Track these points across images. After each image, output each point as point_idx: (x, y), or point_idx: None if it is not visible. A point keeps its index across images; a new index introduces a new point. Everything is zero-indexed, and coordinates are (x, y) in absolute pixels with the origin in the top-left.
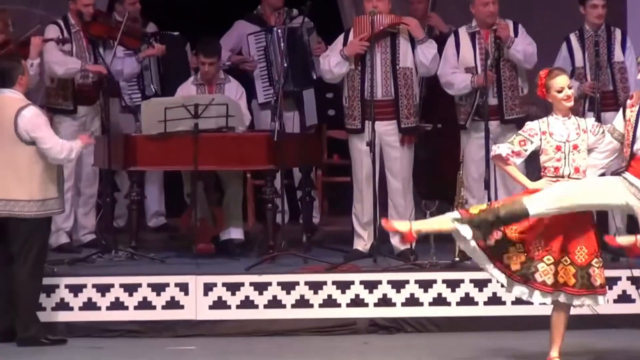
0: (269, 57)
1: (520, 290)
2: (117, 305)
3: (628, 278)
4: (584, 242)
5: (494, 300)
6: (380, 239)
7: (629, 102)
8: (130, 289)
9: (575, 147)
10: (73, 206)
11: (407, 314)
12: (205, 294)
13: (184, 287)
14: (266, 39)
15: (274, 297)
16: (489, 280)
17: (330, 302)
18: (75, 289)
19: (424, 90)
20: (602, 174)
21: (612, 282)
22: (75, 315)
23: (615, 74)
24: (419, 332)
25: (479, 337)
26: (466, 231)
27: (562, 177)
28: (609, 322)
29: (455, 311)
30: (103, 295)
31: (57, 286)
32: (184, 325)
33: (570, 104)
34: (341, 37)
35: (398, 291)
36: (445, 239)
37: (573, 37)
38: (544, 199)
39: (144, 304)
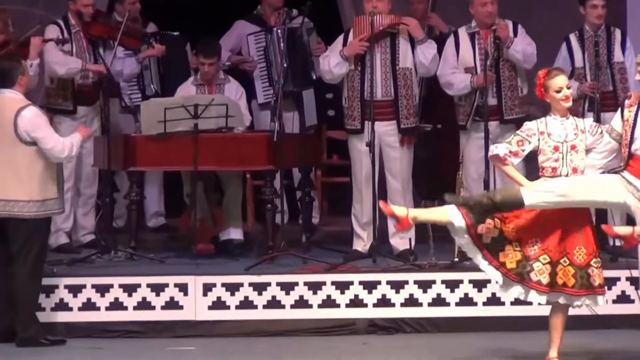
0: (269, 58)
1: (517, 291)
2: (116, 305)
3: (627, 279)
4: (582, 242)
5: (493, 300)
6: (380, 240)
7: (627, 102)
8: (130, 289)
9: (573, 147)
10: (73, 206)
11: (406, 314)
12: (205, 295)
13: (183, 288)
14: (266, 39)
15: (273, 297)
16: (488, 281)
17: (329, 303)
18: (75, 290)
19: (423, 91)
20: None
21: (611, 282)
22: (75, 316)
23: (615, 75)
24: (418, 333)
25: (478, 338)
26: (459, 220)
27: (560, 177)
28: (608, 323)
29: (454, 312)
30: (102, 295)
31: (57, 286)
32: (183, 326)
33: (569, 104)
34: (341, 38)
35: (397, 292)
36: (445, 240)
37: (573, 38)
38: (542, 192)
39: (144, 305)
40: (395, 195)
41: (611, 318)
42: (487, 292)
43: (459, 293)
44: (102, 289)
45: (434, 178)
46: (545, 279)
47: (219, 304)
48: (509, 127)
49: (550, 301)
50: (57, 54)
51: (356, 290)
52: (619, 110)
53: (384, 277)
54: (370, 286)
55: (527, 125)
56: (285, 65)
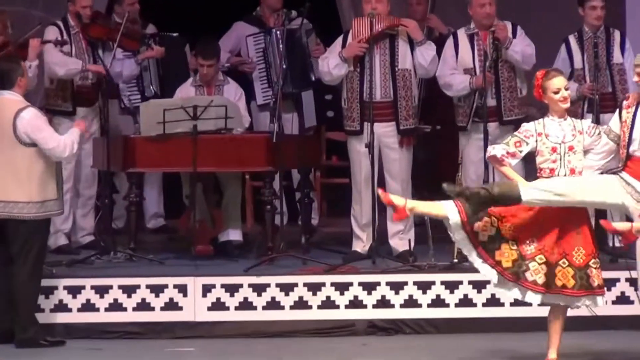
0: (268, 59)
1: (514, 292)
2: (115, 306)
3: (627, 279)
4: (581, 243)
5: (493, 301)
6: (379, 241)
7: (625, 103)
8: (129, 290)
9: (570, 148)
10: (72, 208)
11: (406, 315)
12: (204, 296)
13: (182, 289)
14: (265, 40)
15: (273, 298)
16: (488, 282)
17: (328, 304)
18: (74, 291)
19: (423, 92)
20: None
21: (610, 283)
22: (74, 317)
23: (614, 76)
24: (417, 334)
25: (478, 339)
26: (455, 215)
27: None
28: (607, 324)
29: (453, 312)
30: (102, 296)
31: (56, 287)
32: (182, 327)
33: (567, 105)
34: (340, 39)
35: (397, 292)
36: (444, 241)
37: (572, 39)
38: (540, 189)
39: (143, 306)
40: None
41: (611, 319)
42: (486, 293)
43: (459, 294)
44: (102, 290)
45: (434, 179)
46: (540, 279)
47: (218, 305)
48: (508, 128)
49: (545, 302)
50: (56, 54)
51: (356, 291)
52: (617, 111)
53: (383, 278)
54: (369, 287)
55: (525, 126)
56: (284, 66)
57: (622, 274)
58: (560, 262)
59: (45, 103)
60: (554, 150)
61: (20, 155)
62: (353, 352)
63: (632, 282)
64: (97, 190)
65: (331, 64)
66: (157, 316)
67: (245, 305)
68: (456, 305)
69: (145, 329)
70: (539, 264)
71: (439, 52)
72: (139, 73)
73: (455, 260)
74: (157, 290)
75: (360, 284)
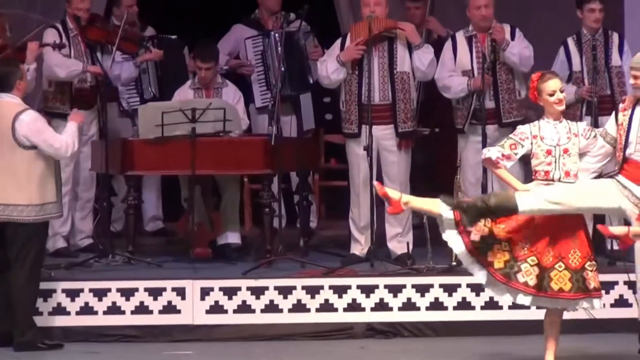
0: (267, 61)
1: (503, 294)
2: (114, 309)
3: (625, 282)
4: (577, 245)
5: (491, 304)
6: (378, 244)
7: (620, 106)
8: (127, 293)
9: (565, 151)
10: (70, 210)
11: (404, 318)
12: (202, 299)
13: (180, 292)
14: (263, 43)
15: (271, 301)
16: None
17: (327, 307)
18: (72, 294)
19: (421, 95)
20: (597, 176)
21: (609, 286)
22: (72, 320)
23: (612, 78)
24: (415, 337)
25: (476, 342)
26: (449, 214)
27: (553, 180)
28: (605, 327)
29: (452, 316)
30: (100, 299)
31: (54, 290)
32: (180, 330)
33: (562, 107)
34: (338, 42)
35: (395, 295)
36: (443, 244)
37: (570, 41)
38: (536, 199)
39: (141, 309)
40: None
41: (609, 322)
42: (484, 296)
43: (457, 297)
44: (100, 293)
45: (432, 182)
46: (532, 281)
47: (216, 308)
48: (507, 130)
49: (537, 304)
50: (56, 56)
51: (354, 294)
52: (613, 114)
53: (381, 281)
54: (368, 290)
55: (521, 128)
56: (282, 69)
57: (621, 277)
58: (557, 266)
59: (43, 106)
60: (548, 152)
61: (19, 158)
62: (351, 355)
63: (630, 285)
64: (95, 193)
65: (330, 68)
66: (155, 319)
67: (244, 308)
68: (454, 308)
69: (143, 332)
70: (531, 266)
71: (437, 55)
72: (138, 75)
73: (454, 263)
74: (155, 293)
75: (358, 286)
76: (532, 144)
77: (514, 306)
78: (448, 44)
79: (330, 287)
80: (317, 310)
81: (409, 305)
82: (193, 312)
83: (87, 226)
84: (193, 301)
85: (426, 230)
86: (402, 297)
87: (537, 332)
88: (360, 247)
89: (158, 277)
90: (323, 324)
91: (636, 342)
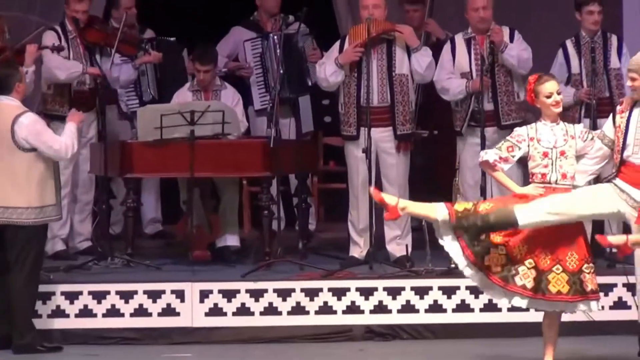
0: (265, 64)
1: (500, 296)
2: (113, 312)
3: (624, 285)
4: (574, 248)
5: (490, 307)
6: (376, 246)
7: (618, 108)
8: (126, 296)
9: (562, 153)
10: (69, 213)
11: (403, 320)
12: (201, 301)
13: (180, 294)
14: (262, 45)
15: (270, 304)
16: None
17: (326, 309)
18: (71, 296)
19: (420, 97)
20: (597, 180)
21: (607, 288)
22: (71, 323)
23: (611, 81)
24: (414, 339)
25: (475, 344)
26: (444, 217)
27: (550, 183)
28: (604, 329)
29: (451, 318)
30: (99, 302)
31: (53, 293)
32: (179, 333)
33: (559, 109)
34: (337, 44)
35: (394, 298)
36: (442, 246)
37: (569, 44)
38: (535, 211)
39: (140, 311)
40: None
41: (608, 324)
42: (483, 299)
43: (456, 299)
44: (99, 296)
45: (431, 184)
46: (529, 284)
47: (215, 311)
48: (506, 132)
49: (534, 307)
50: (56, 58)
51: (353, 296)
52: (611, 116)
53: (380, 283)
54: (366, 292)
55: (517, 131)
56: (281, 71)
57: (620, 279)
58: (554, 269)
59: (42, 108)
60: (545, 155)
61: (18, 161)
62: (350, 357)
63: (629, 287)
64: (94, 195)
65: (328, 71)
66: (155, 322)
67: (243, 310)
68: (453, 310)
69: (142, 334)
70: (528, 269)
71: (436, 57)
72: (137, 78)
73: (453, 266)
74: (154, 295)
75: (357, 289)
76: (529, 146)
77: (513, 308)
78: (447, 47)
79: (329, 290)
80: (316, 312)
81: (408, 308)
82: (192, 314)
83: (86, 229)
84: (192, 304)
85: (425, 232)
86: (401, 300)
87: (535, 335)
88: (359, 249)
89: (157, 279)
90: (322, 327)
91: (635, 345)
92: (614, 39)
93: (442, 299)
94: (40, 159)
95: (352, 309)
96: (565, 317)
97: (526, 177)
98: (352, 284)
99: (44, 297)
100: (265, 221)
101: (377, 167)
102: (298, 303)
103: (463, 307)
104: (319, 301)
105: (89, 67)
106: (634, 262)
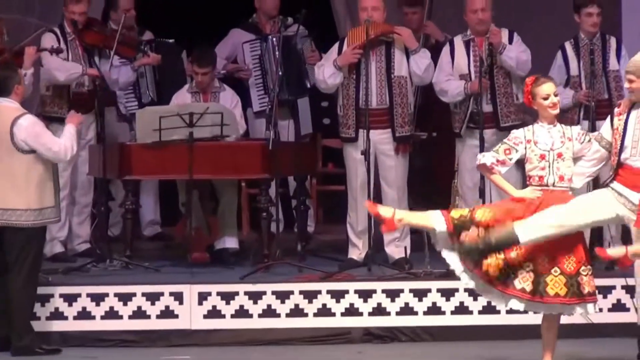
0: (264, 66)
1: (498, 300)
2: (111, 314)
3: (622, 287)
4: (572, 250)
5: (489, 309)
6: (375, 248)
7: (616, 110)
8: (125, 298)
9: (559, 155)
10: (68, 215)
11: (402, 323)
12: (200, 303)
13: (178, 297)
14: (261, 47)
15: (269, 306)
16: None
17: (324, 311)
18: (70, 298)
19: (419, 99)
20: (596, 182)
21: (606, 290)
22: (70, 325)
23: (610, 83)
24: (413, 342)
25: (474, 346)
26: (442, 227)
27: (547, 185)
28: (603, 331)
29: (449, 320)
30: (97, 304)
31: (52, 295)
32: (178, 335)
33: (556, 111)
34: (335, 46)
35: (392, 300)
36: None
37: (568, 46)
38: (535, 227)
39: (139, 314)
40: (390, 203)
41: (606, 326)
42: (482, 301)
43: (455, 302)
44: (97, 298)
45: (430, 186)
46: (528, 287)
47: (214, 313)
48: (505, 134)
49: (531, 310)
50: (55, 60)
51: (351, 298)
52: (608, 118)
53: (379, 285)
54: (365, 295)
55: (515, 133)
56: (280, 73)
57: (618, 282)
58: (552, 271)
59: (41, 110)
60: (542, 157)
61: (18, 163)
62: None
63: (628, 289)
64: (93, 197)
65: (326, 73)
66: (153, 324)
67: (241, 313)
68: (452, 312)
69: (140, 337)
70: (527, 272)
71: (435, 59)
72: (136, 80)
73: (452, 268)
74: (152, 298)
75: (356, 291)
76: (526, 148)
77: (512, 311)
78: (446, 48)
79: (328, 292)
80: (315, 314)
81: (407, 310)
82: (191, 316)
83: (85, 231)
84: (191, 306)
85: (424, 234)
86: (399, 302)
87: (534, 337)
88: (357, 251)
89: (156, 281)
90: (321, 329)
91: (634, 347)
92: (612, 41)
93: (441, 301)
94: (40, 161)
95: (351, 311)
96: (564, 320)
97: (525, 180)
98: (351, 286)
99: (43, 299)
100: (264, 223)
101: (375, 169)
102: (297, 305)
103: (462, 309)
104: (317, 303)
105: (88, 68)
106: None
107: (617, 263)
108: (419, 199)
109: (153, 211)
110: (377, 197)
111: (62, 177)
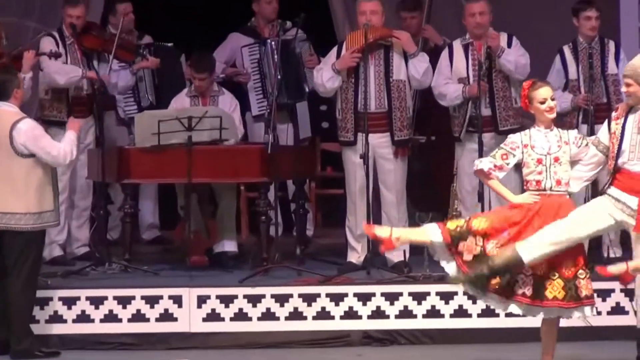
0: (263, 70)
1: (497, 305)
2: (110, 317)
3: (621, 290)
4: (570, 254)
5: (488, 312)
6: (374, 252)
7: (613, 114)
8: (124, 301)
9: (556, 159)
10: (67, 219)
11: (401, 326)
12: (199, 307)
13: (177, 300)
14: (260, 51)
15: (268, 309)
16: None
17: (323, 315)
18: (69, 302)
19: (418, 103)
20: (595, 186)
21: (605, 294)
22: (69, 328)
23: (609, 86)
24: (412, 344)
25: (473, 349)
26: (438, 238)
27: (544, 190)
28: (602, 334)
29: (448, 323)
30: (97, 307)
31: (51, 299)
32: (177, 338)
33: (553, 115)
34: (334, 50)
35: (392, 303)
36: None
37: (567, 50)
38: (537, 246)
39: (138, 317)
40: (389, 207)
41: (605, 329)
42: (481, 304)
43: (454, 305)
44: (96, 301)
45: (428, 190)
46: (528, 291)
47: (213, 316)
48: (504, 138)
49: (528, 314)
50: (55, 63)
51: (350, 302)
52: (606, 122)
53: (378, 288)
54: (364, 298)
55: (511, 138)
56: (279, 77)
57: (617, 285)
58: (550, 275)
59: (40, 114)
60: (539, 161)
61: (17, 167)
62: None
63: (627, 292)
64: (92, 201)
65: (325, 76)
66: (152, 327)
67: (240, 316)
68: (451, 315)
69: (140, 340)
70: (527, 276)
71: (434, 63)
72: (135, 83)
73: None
74: (152, 301)
75: (355, 294)
76: (523, 153)
77: (511, 314)
78: (445, 52)
79: (327, 295)
80: (314, 318)
81: (406, 313)
82: (190, 320)
83: (84, 234)
84: (190, 309)
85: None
86: (398, 305)
87: (533, 340)
88: (356, 255)
89: (155, 285)
90: (320, 332)
91: (634, 350)
92: (611, 45)
93: (440, 304)
94: (39, 165)
95: (350, 314)
96: (564, 323)
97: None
98: (350, 289)
99: (42, 303)
100: (262, 227)
101: (374, 173)
102: (296, 308)
103: (461, 312)
104: (316, 307)
105: (87, 71)
106: None
107: (619, 279)
108: (417, 202)
109: (152, 215)
110: (376, 200)
111: (61, 180)
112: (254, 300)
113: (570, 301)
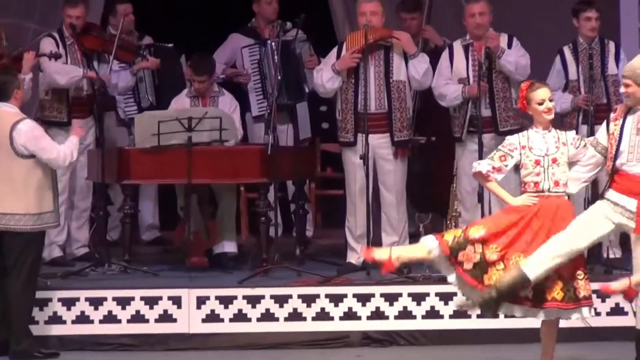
0: (263, 70)
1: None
2: (110, 318)
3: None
4: None
5: None
6: None
7: (612, 115)
8: (123, 302)
9: (554, 160)
10: (66, 220)
11: (400, 326)
12: (198, 307)
13: (177, 301)
14: (260, 52)
15: (267, 310)
16: None
17: (323, 315)
18: (68, 303)
19: (418, 103)
20: (594, 187)
21: (605, 295)
22: (68, 329)
23: (609, 87)
24: (411, 345)
25: (472, 350)
26: (437, 249)
27: (542, 191)
28: (601, 335)
29: (448, 324)
30: (96, 308)
31: (50, 299)
32: (176, 339)
33: (551, 116)
34: (334, 51)
35: (391, 304)
36: None
37: (567, 50)
38: (540, 262)
39: (137, 318)
40: (389, 208)
41: (604, 330)
42: None
43: (453, 305)
44: (96, 302)
45: (428, 191)
46: (530, 293)
47: (212, 317)
48: (504, 139)
49: (528, 316)
50: (55, 64)
51: (350, 302)
52: (605, 123)
53: (377, 289)
54: (364, 299)
55: (509, 139)
56: (279, 78)
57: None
58: (550, 276)
59: (40, 115)
60: (537, 163)
61: (17, 167)
62: None
63: None
64: (91, 202)
65: (325, 77)
66: (151, 328)
67: (240, 317)
68: (450, 316)
69: (139, 340)
70: None
71: (434, 64)
72: (135, 84)
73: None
74: (151, 302)
75: (354, 295)
76: (521, 154)
77: (510, 315)
78: (445, 53)
79: (327, 296)
80: (313, 319)
81: (405, 314)
82: (189, 320)
83: (83, 235)
84: (189, 310)
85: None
86: (398, 306)
87: (533, 341)
88: (356, 255)
89: (154, 286)
90: (319, 333)
91: (633, 351)
92: (611, 45)
93: (439, 305)
94: (39, 166)
95: (349, 315)
96: (563, 323)
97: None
98: (349, 290)
99: (41, 304)
100: (262, 227)
101: (374, 174)
102: (295, 309)
103: (460, 313)
104: (316, 307)
105: (88, 71)
106: (631, 268)
107: (623, 295)
108: (417, 203)
109: (152, 215)
110: (376, 201)
111: (61, 181)
112: (254, 301)
113: (569, 302)
